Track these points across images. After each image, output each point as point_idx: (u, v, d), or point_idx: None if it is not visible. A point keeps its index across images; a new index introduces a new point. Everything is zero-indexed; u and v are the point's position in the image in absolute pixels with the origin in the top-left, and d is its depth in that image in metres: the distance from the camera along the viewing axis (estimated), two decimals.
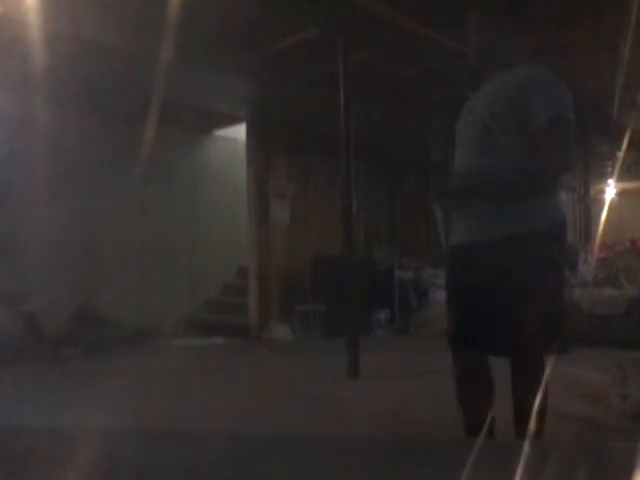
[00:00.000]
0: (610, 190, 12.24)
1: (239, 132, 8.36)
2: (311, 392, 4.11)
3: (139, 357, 6.09)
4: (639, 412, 2.90)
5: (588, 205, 10.11)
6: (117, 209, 7.20)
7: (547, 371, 2.36)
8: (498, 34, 2.57)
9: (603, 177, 11.97)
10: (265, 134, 7.88)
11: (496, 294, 2.28)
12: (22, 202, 6.45)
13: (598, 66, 6.48)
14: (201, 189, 8.54)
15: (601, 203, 11.16)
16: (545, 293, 2.27)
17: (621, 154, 9.05)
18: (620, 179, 11.66)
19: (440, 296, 7.87)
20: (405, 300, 8.08)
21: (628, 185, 12.54)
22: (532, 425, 2.24)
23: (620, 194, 12.51)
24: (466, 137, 2.49)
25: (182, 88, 6.42)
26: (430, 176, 2.59)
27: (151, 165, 6.09)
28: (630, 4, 4.67)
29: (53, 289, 6.59)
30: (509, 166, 2.29)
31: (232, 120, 8.33)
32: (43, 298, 6.43)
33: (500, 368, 2.48)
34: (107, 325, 6.80)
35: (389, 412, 3.54)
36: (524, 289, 2.24)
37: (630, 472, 1.95)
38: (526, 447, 2.11)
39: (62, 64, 5.11)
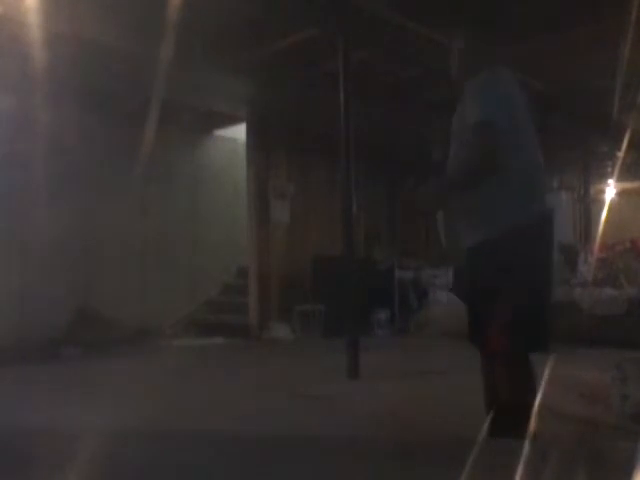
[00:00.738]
0: (610, 190, 12.23)
1: (239, 132, 8.36)
2: (311, 392, 4.10)
3: (139, 357, 6.09)
4: (639, 412, 2.90)
5: (588, 205, 10.11)
6: (117, 209, 7.20)
7: (522, 368, 2.45)
8: (469, 45, 2.71)
9: (603, 177, 11.96)
10: (265, 134, 7.88)
11: (471, 294, 2.57)
12: (22, 202, 6.45)
13: (598, 66, 6.48)
14: (201, 189, 8.53)
15: (601, 203, 11.15)
16: (509, 293, 2.37)
17: (621, 154, 9.04)
18: (620, 179, 11.65)
19: (440, 296, 7.89)
20: (405, 300, 8.08)
21: (628, 185, 12.52)
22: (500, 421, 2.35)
23: (620, 194, 12.50)
24: (452, 145, 2.67)
25: (182, 88, 6.42)
26: (430, 180, 2.69)
27: (151, 165, 6.09)
28: (630, 4, 4.67)
29: (53, 289, 6.59)
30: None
31: (232, 120, 8.33)
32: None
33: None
34: (107, 325, 6.80)
35: (389, 412, 3.54)
36: (487, 290, 2.42)
37: (630, 472, 1.95)
38: (526, 447, 2.11)
39: (62, 64, 5.11)
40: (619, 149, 8.70)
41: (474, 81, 2.51)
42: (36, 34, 4.61)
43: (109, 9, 4.89)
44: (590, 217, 9.89)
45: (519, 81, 2.57)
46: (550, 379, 2.90)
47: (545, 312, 2.46)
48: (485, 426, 2.42)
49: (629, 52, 5.57)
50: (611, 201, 11.61)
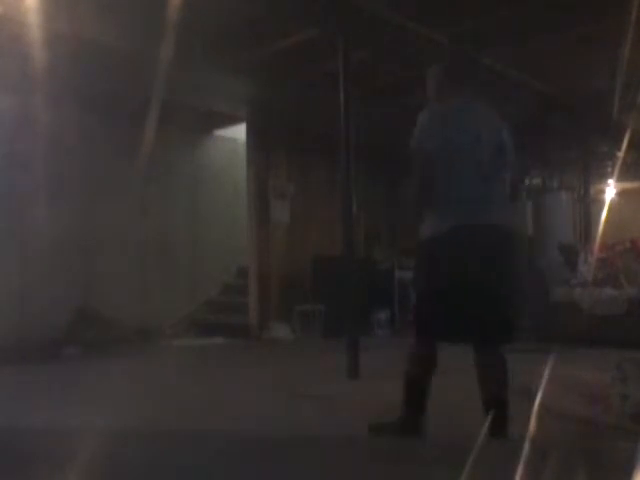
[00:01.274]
0: (610, 190, 12.22)
1: (239, 132, 8.36)
2: (311, 392, 4.10)
3: (139, 357, 6.09)
4: (639, 412, 2.90)
5: (588, 205, 10.09)
6: (117, 209, 7.20)
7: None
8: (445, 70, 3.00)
9: (603, 177, 11.96)
10: (265, 134, 7.88)
11: None
12: (22, 202, 6.45)
13: (598, 66, 6.48)
14: (201, 189, 8.53)
15: (601, 203, 11.13)
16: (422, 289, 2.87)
17: (621, 154, 9.03)
18: (620, 179, 11.64)
19: None
20: (405, 300, 8.07)
21: (628, 185, 12.52)
22: None
23: (620, 194, 12.49)
24: None
25: (182, 88, 6.41)
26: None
27: (151, 165, 6.08)
28: (630, 4, 4.67)
29: (53, 289, 6.59)
30: None
31: (232, 120, 8.32)
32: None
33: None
34: (107, 325, 6.80)
35: (389, 412, 3.53)
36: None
37: (630, 472, 1.95)
38: (526, 447, 2.11)
39: (62, 64, 5.11)
40: (619, 149, 8.69)
41: (421, 113, 2.83)
42: (36, 34, 4.61)
43: (109, 9, 4.88)
44: (590, 217, 9.87)
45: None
46: (550, 379, 2.90)
47: (459, 310, 2.64)
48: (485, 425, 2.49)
49: (629, 52, 5.56)
50: (611, 201, 11.60)
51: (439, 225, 2.70)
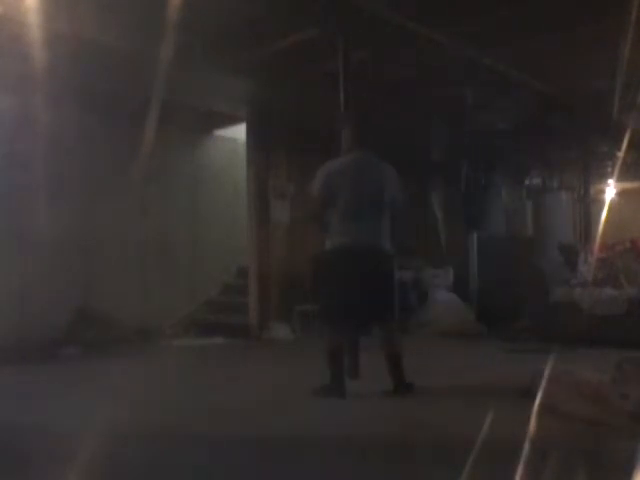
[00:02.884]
0: (610, 190, 12.23)
1: (239, 132, 8.36)
2: (311, 392, 4.10)
3: (139, 357, 6.09)
4: (638, 412, 2.90)
5: (588, 205, 10.10)
6: (117, 209, 7.20)
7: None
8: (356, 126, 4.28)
9: (603, 177, 11.96)
10: (265, 134, 7.87)
11: None
12: (22, 202, 6.45)
13: (598, 66, 6.48)
14: (201, 189, 8.53)
15: (601, 203, 11.13)
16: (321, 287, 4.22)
17: (621, 154, 9.03)
18: (620, 179, 11.65)
19: (440, 296, 7.88)
20: (405, 300, 8.07)
21: (628, 185, 12.52)
22: None
23: (620, 194, 12.49)
24: None
25: (182, 88, 6.41)
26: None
27: (151, 165, 6.08)
28: (630, 4, 4.67)
29: (53, 289, 6.59)
30: None
31: (232, 120, 8.32)
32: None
33: None
34: (107, 325, 6.80)
35: (389, 412, 3.54)
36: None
37: (630, 472, 1.95)
38: (526, 447, 2.12)
39: (62, 64, 5.11)
40: (619, 149, 8.69)
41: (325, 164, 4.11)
42: (36, 34, 4.61)
43: (109, 9, 4.88)
44: (590, 217, 9.88)
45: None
46: (550, 379, 2.90)
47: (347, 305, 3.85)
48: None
49: (629, 52, 5.57)
50: (611, 201, 11.60)
51: (332, 244, 3.87)
